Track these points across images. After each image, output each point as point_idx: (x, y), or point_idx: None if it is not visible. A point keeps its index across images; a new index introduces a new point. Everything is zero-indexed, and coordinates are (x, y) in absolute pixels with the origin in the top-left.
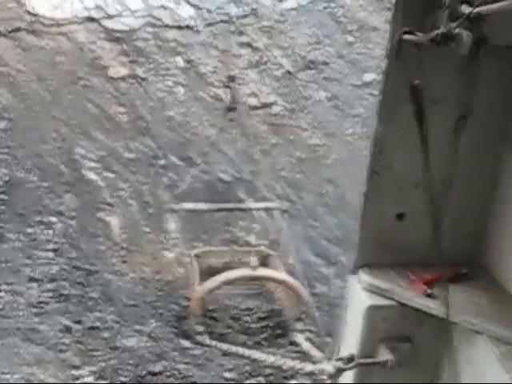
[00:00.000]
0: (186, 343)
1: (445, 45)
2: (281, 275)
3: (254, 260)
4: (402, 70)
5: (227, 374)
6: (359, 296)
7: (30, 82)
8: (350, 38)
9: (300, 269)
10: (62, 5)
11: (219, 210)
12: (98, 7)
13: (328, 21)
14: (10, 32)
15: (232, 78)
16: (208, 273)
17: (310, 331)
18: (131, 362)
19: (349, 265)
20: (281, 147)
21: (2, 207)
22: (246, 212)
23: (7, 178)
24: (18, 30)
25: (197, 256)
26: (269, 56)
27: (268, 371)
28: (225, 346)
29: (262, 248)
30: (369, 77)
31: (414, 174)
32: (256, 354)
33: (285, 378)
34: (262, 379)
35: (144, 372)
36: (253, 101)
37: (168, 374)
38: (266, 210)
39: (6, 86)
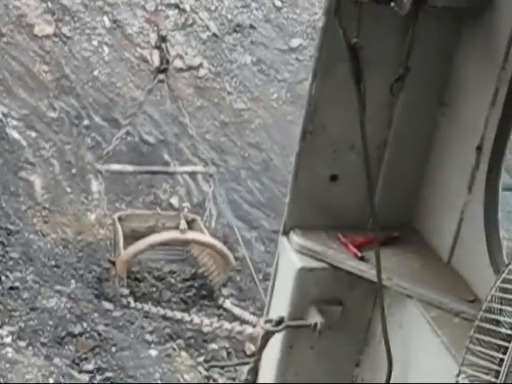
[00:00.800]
0: (106, 305)
1: (385, 4)
2: (209, 239)
3: (183, 223)
4: (340, 28)
5: (148, 337)
6: (290, 257)
7: None
8: (277, 3)
9: (222, 233)
10: None
11: (146, 172)
12: None
13: None
14: None
15: (163, 39)
16: (131, 237)
17: (232, 295)
18: (51, 322)
19: (271, 229)
20: (206, 110)
21: None
22: (170, 175)
23: None
24: None
25: (120, 219)
26: (195, 18)
27: (188, 334)
28: (154, 309)
29: (186, 212)
30: (295, 42)
31: (348, 135)
32: (191, 318)
33: (204, 341)
34: (181, 342)
35: (64, 333)
36: (178, 63)
37: (88, 335)
38: (193, 173)
39: None
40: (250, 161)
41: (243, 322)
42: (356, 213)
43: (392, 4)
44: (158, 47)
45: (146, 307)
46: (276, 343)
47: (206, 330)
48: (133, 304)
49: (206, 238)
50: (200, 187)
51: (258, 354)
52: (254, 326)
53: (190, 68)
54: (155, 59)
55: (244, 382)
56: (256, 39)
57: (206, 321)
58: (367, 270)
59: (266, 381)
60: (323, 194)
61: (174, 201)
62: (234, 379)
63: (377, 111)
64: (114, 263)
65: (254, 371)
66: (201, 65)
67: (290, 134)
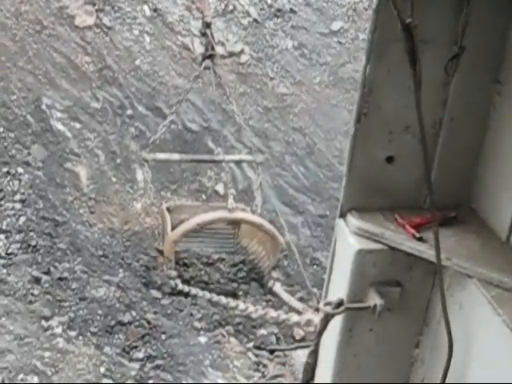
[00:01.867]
0: (154, 293)
1: None
2: (257, 218)
3: (231, 202)
4: (394, 9)
5: (197, 324)
6: (347, 240)
7: None
8: None
9: (268, 219)
10: None
11: (193, 161)
12: None
13: None
14: None
15: (208, 25)
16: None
17: (278, 280)
18: (100, 312)
19: (317, 213)
20: (248, 96)
21: None
22: (216, 163)
23: None
24: None
25: (168, 210)
26: (236, 4)
27: (237, 320)
28: (201, 293)
29: (232, 201)
30: (336, 25)
31: (403, 116)
32: (237, 304)
33: (253, 326)
34: (230, 328)
35: (113, 322)
36: (220, 50)
37: (137, 324)
38: (240, 162)
39: None
40: (294, 145)
41: (290, 307)
42: (412, 193)
43: None
44: (203, 34)
45: (194, 290)
46: (335, 326)
47: (253, 316)
48: (180, 286)
49: (255, 217)
50: (245, 174)
51: (318, 336)
52: (300, 314)
53: (232, 54)
54: (196, 47)
55: (305, 365)
56: (297, 23)
57: (251, 307)
58: (426, 251)
59: (326, 363)
60: (379, 175)
61: (220, 188)
62: (283, 364)
63: (431, 91)
64: (162, 253)
65: (315, 354)
66: (242, 51)
67: (333, 118)
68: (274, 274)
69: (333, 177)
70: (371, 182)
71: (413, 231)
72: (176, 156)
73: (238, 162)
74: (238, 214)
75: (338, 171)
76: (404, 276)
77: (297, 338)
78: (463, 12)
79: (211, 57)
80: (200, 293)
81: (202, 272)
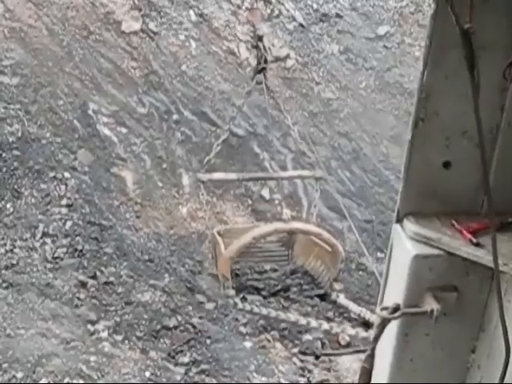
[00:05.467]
0: (200, 298)
1: None
2: (314, 228)
3: (285, 212)
4: (451, 15)
5: (242, 329)
6: (404, 245)
7: (42, 38)
8: None
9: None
10: None
11: (250, 179)
12: None
13: None
14: None
15: (260, 38)
16: None
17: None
18: (146, 316)
19: (363, 218)
20: (294, 101)
21: (16, 163)
22: (275, 180)
23: (20, 134)
24: None
25: (219, 234)
26: (281, 9)
27: (283, 325)
28: (264, 311)
29: (287, 212)
30: (382, 29)
31: (461, 121)
32: (293, 317)
33: (299, 332)
34: (276, 333)
35: (159, 326)
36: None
37: (182, 328)
38: (299, 178)
39: (19, 42)
40: (340, 150)
41: (361, 319)
42: (469, 199)
43: None
44: (255, 46)
45: (256, 309)
46: (391, 331)
47: (332, 331)
48: (240, 305)
49: (311, 227)
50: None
51: (374, 341)
52: (369, 326)
53: (278, 59)
54: (242, 52)
55: (361, 369)
56: (343, 28)
57: (325, 324)
58: (483, 256)
59: (382, 368)
60: (436, 180)
61: (265, 193)
62: (328, 370)
63: (489, 96)
64: (216, 276)
65: (371, 358)
66: (288, 56)
67: (379, 123)
68: (337, 286)
69: (379, 182)
70: (428, 187)
71: (470, 236)
72: (233, 175)
73: (297, 178)
74: (294, 224)
75: (383, 176)
76: (461, 281)
77: (342, 343)
78: None
79: (263, 70)
80: (264, 311)
81: (256, 283)
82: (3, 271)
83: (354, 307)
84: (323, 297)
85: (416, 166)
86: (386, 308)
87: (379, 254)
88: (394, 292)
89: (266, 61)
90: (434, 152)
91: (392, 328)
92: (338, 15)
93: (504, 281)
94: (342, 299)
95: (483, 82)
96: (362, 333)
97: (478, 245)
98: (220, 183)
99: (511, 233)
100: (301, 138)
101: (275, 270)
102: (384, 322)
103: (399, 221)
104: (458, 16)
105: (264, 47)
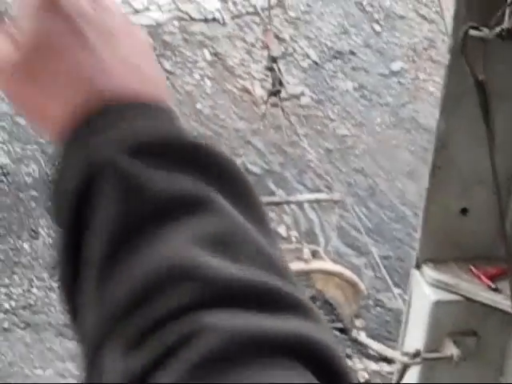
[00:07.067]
0: None
1: (509, 40)
2: (336, 267)
3: (306, 252)
4: (466, 65)
5: None
6: (423, 291)
7: None
8: (376, 27)
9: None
10: None
11: (268, 204)
12: (124, 2)
13: (354, 10)
14: None
15: (274, 60)
16: None
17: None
18: None
19: (380, 254)
20: (309, 138)
21: (33, 204)
22: (295, 204)
23: (37, 175)
24: None
25: None
26: (295, 47)
27: None
28: None
29: (304, 244)
30: (396, 65)
31: (477, 168)
32: None
33: None
34: None
35: None
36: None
37: None
38: (317, 201)
39: None
40: (356, 187)
41: (380, 356)
42: (487, 244)
43: None
44: (270, 68)
45: None
46: (411, 375)
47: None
48: None
49: (333, 266)
50: (307, 215)
51: None
52: (390, 362)
53: (292, 97)
54: (257, 90)
55: None
56: (357, 65)
57: (348, 362)
58: (501, 301)
59: None
60: (454, 227)
61: (282, 230)
62: None
63: (505, 143)
64: None
65: None
66: (302, 93)
67: (395, 159)
68: (358, 323)
69: (395, 218)
70: (446, 234)
71: (488, 282)
72: None
73: (315, 202)
74: (315, 265)
75: (400, 212)
76: (480, 326)
77: (361, 380)
78: None
79: (278, 93)
80: None
81: None
82: (21, 311)
83: (374, 345)
84: (343, 331)
85: (434, 212)
86: (406, 353)
87: (397, 290)
88: (414, 337)
89: (280, 83)
90: (451, 199)
91: (413, 373)
92: (351, 52)
93: None
94: (364, 337)
95: (498, 129)
96: (385, 367)
97: (496, 290)
98: None
99: None
100: (317, 176)
101: None
102: (405, 368)
103: (418, 267)
104: (473, 67)
105: (279, 69)
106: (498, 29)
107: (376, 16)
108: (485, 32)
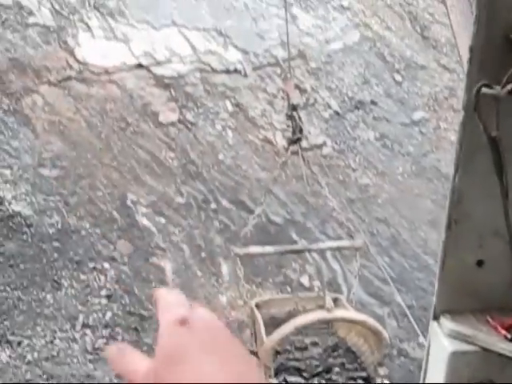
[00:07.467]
0: None
1: None
2: (359, 316)
3: (329, 301)
4: (480, 123)
5: None
6: (441, 342)
7: (81, 130)
8: (397, 77)
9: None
10: (110, 53)
11: (288, 252)
12: (146, 54)
13: (375, 60)
14: (60, 81)
15: (294, 107)
16: (271, 324)
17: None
18: None
19: (403, 304)
20: (331, 188)
21: (56, 255)
22: (316, 252)
23: (60, 226)
24: (69, 78)
25: (257, 306)
26: (316, 97)
27: None
28: None
29: (326, 292)
30: (418, 115)
31: (493, 222)
32: None
33: None
34: None
35: None
36: (303, 143)
37: None
38: (339, 249)
39: (58, 135)
40: (379, 236)
41: None
42: (503, 295)
43: None
44: (290, 116)
45: None
46: None
47: None
48: None
49: (356, 314)
50: (330, 265)
51: None
52: None
53: (314, 147)
54: (279, 140)
55: None
56: (378, 114)
57: None
58: None
59: None
60: (470, 279)
61: (305, 280)
62: None
63: None
64: (255, 354)
65: None
66: (324, 143)
67: (417, 208)
68: (381, 371)
69: (418, 267)
70: (463, 285)
71: (504, 332)
72: (270, 248)
73: (337, 250)
74: (337, 313)
75: (422, 261)
76: (497, 376)
77: None
78: None
79: (298, 140)
80: None
81: (297, 363)
82: (43, 363)
83: None
84: (366, 379)
85: (450, 265)
86: None
87: (421, 340)
88: None
89: (301, 131)
90: (467, 251)
91: None
92: (372, 102)
93: None
94: None
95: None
96: None
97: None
98: (258, 269)
99: None
100: (339, 225)
101: (316, 344)
102: None
103: (436, 318)
104: (486, 123)
105: (299, 117)
106: (509, 86)
107: (397, 66)
108: (497, 90)
